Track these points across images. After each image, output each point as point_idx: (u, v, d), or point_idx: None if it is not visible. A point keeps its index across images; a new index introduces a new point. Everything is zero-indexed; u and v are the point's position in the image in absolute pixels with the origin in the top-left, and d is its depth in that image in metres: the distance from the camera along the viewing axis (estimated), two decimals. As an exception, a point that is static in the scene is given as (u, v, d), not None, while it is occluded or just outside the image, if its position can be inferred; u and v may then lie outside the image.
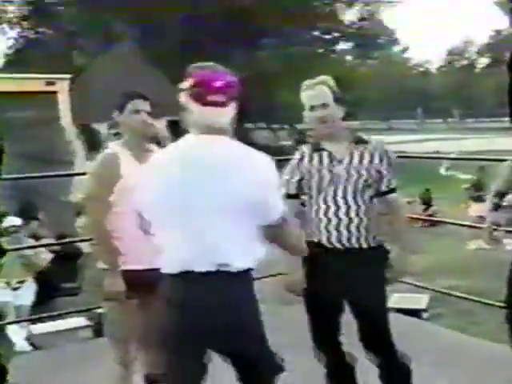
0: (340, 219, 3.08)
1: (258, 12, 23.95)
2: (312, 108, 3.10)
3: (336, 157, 3.11)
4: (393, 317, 3.31)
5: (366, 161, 3.10)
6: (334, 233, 3.10)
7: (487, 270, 8.72)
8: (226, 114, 2.38)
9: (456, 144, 27.38)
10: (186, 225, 2.29)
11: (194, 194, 2.27)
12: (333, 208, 3.10)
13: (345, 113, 3.15)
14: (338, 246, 3.11)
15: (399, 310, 5.65)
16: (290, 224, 2.42)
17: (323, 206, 3.12)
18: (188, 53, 24.27)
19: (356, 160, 3.10)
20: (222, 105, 2.35)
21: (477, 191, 12.64)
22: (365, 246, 3.12)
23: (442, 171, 22.43)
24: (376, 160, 3.11)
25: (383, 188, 3.15)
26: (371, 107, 55.28)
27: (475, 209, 12.22)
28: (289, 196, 3.19)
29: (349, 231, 3.09)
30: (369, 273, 3.10)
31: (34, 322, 6.16)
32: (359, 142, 3.15)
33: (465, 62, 65.52)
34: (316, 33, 30.83)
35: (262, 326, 2.46)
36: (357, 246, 3.11)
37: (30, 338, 6.02)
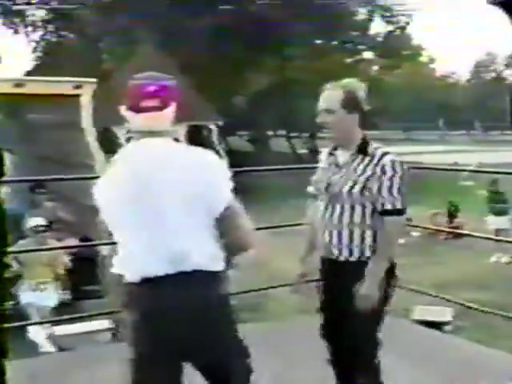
0: (334, 228, 2.99)
1: (284, 21, 23.99)
2: (319, 112, 3.02)
3: (340, 164, 3.03)
4: (415, 328, 3.27)
5: (360, 173, 2.95)
6: (328, 241, 3.03)
7: (507, 283, 8.66)
8: (163, 118, 2.40)
9: (477, 156, 27.20)
10: (140, 231, 2.33)
11: (144, 198, 2.30)
12: (329, 215, 3.01)
13: (360, 120, 2.99)
14: (330, 255, 3.05)
15: (422, 322, 5.60)
16: (238, 215, 2.40)
17: (323, 211, 3.05)
18: (213, 59, 24.45)
19: (352, 171, 2.97)
20: (157, 109, 2.37)
21: (494, 204, 12.46)
22: (351, 258, 2.99)
23: (461, 182, 22.35)
24: (371, 174, 2.92)
25: (377, 207, 2.94)
26: (394, 117, 55.09)
27: (493, 222, 12.11)
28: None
29: (340, 241, 2.99)
30: (349, 288, 2.94)
31: (57, 323, 6.18)
32: (361, 152, 2.98)
33: (490, 74, 65.10)
34: (341, 43, 30.80)
35: (232, 327, 2.45)
36: (345, 257, 3.00)
37: (52, 339, 6.04)
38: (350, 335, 3.02)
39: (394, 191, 2.91)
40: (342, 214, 2.97)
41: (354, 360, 3.07)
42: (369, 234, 2.97)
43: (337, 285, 3.06)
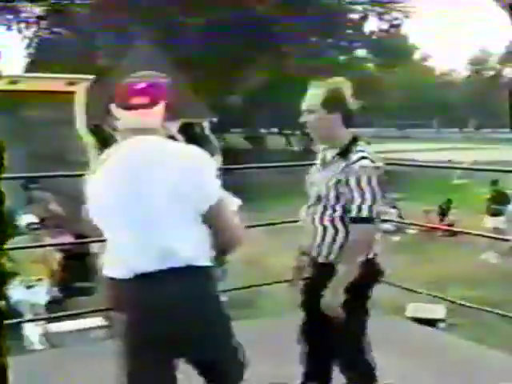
0: (311, 227, 2.97)
1: (281, 19, 24.03)
2: (302, 112, 2.98)
3: (324, 164, 3.00)
4: (408, 326, 3.27)
5: (333, 175, 2.88)
6: (310, 240, 2.99)
7: (501, 281, 8.71)
8: (152, 115, 2.39)
9: (471, 154, 27.30)
10: (128, 229, 2.32)
11: (133, 195, 2.29)
12: (309, 214, 2.99)
13: (344, 119, 2.92)
14: (311, 253, 3.03)
15: (415, 320, 5.60)
16: (226, 212, 2.40)
17: (307, 210, 3.03)
18: (209, 56, 24.44)
19: (329, 172, 2.91)
20: (146, 106, 2.36)
21: (495, 204, 12.48)
22: (320, 260, 2.97)
23: (455, 181, 22.47)
24: (341, 179, 2.84)
25: (346, 213, 2.86)
26: (389, 115, 55.26)
27: (491, 221, 12.14)
28: None
29: (315, 241, 2.96)
30: (317, 289, 2.91)
31: (49, 320, 6.18)
32: (341, 154, 2.89)
33: (483, 72, 65.24)
34: (336, 41, 30.83)
35: (224, 322, 2.45)
36: (317, 257, 2.98)
37: (46, 337, 6.04)
38: (327, 336, 3.02)
39: (361, 198, 2.81)
40: (316, 214, 2.95)
41: (331, 362, 3.11)
42: (340, 237, 2.90)
43: (310, 285, 3.09)
